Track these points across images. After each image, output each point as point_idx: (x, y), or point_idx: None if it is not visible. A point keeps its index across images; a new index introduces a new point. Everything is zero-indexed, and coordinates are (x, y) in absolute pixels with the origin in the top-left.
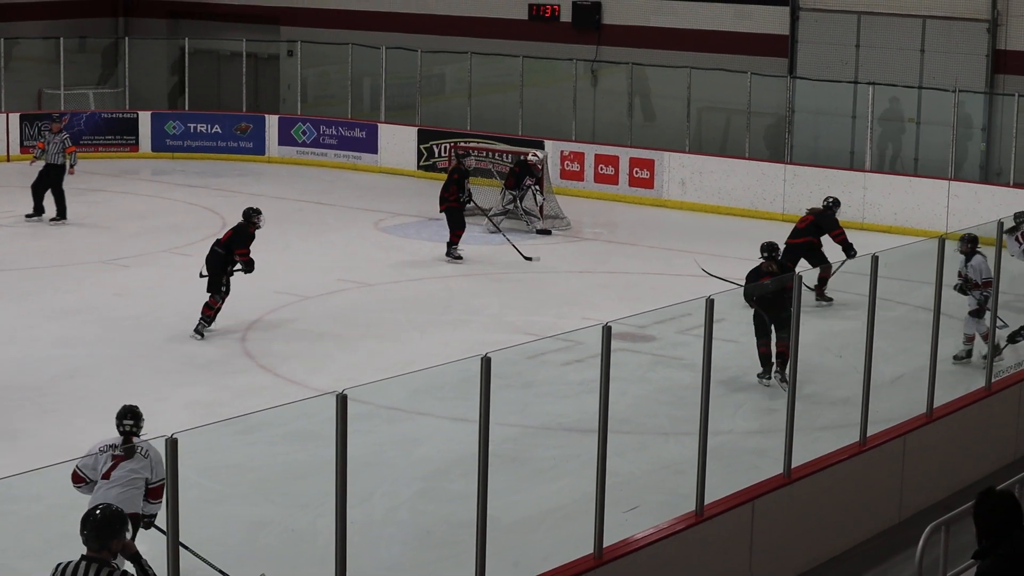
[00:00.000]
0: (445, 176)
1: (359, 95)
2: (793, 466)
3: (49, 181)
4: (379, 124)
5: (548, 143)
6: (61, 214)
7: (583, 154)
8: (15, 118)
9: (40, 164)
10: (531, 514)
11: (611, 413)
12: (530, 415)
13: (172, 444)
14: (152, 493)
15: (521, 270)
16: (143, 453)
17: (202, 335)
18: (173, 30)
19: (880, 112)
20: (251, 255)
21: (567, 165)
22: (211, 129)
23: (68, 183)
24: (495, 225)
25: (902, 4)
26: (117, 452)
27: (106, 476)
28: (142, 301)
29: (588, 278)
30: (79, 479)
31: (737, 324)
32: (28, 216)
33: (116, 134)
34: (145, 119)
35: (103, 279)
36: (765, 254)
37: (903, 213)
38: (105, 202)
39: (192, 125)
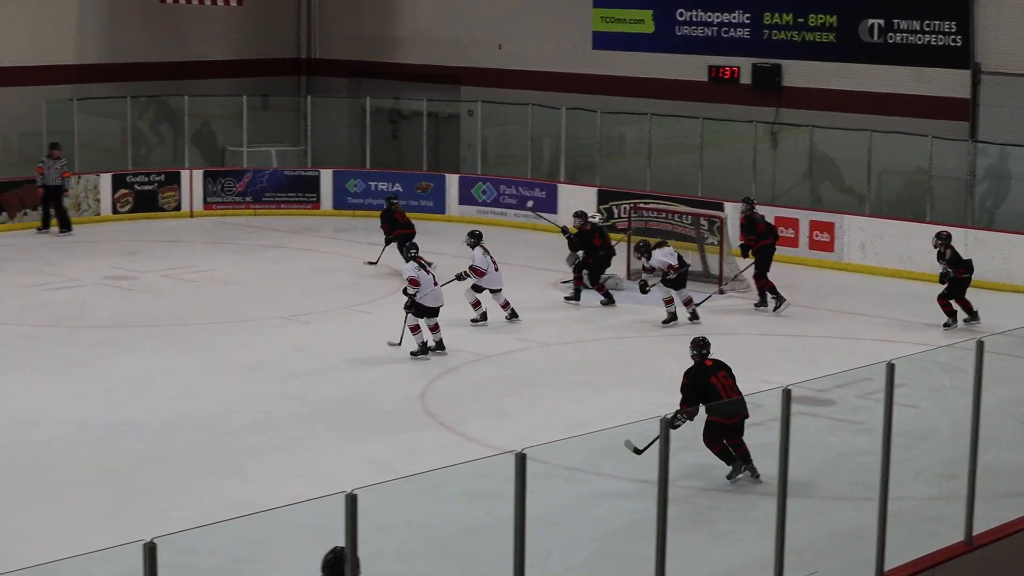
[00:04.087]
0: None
1: (539, 155)
2: (974, 533)
3: (50, 200)
4: (559, 184)
5: (727, 205)
6: (65, 227)
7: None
8: (199, 175)
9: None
10: None
11: (790, 477)
12: (709, 477)
13: (351, 500)
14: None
15: (700, 331)
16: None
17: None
18: (355, 89)
19: None
20: None
21: None
22: (392, 187)
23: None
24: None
25: None
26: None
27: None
28: (322, 357)
29: (767, 341)
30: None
31: (918, 389)
32: (39, 230)
33: (298, 191)
34: (327, 177)
35: (284, 335)
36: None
37: None
38: (287, 259)
39: (373, 183)
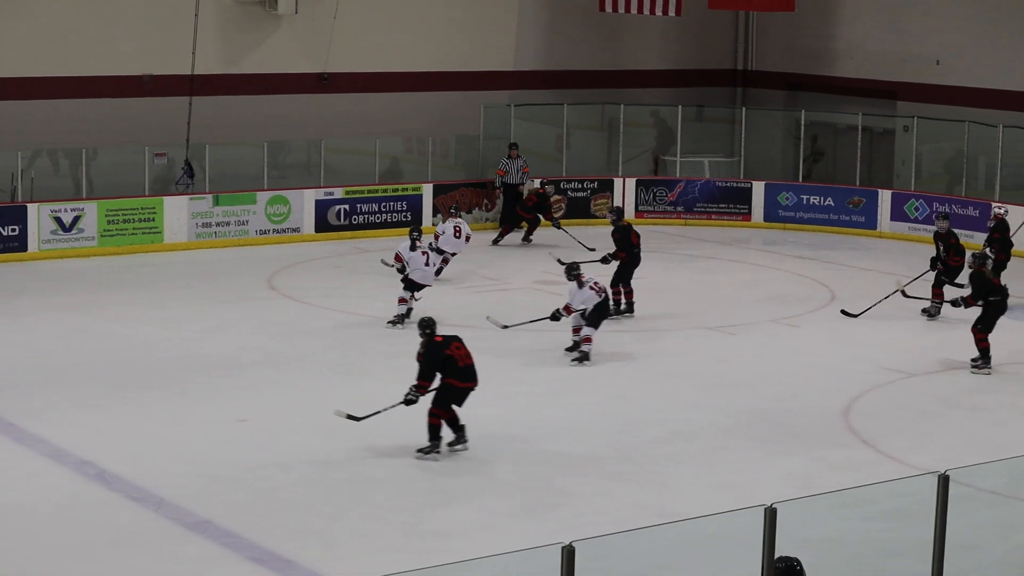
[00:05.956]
0: None
1: (973, 173)
2: None
3: (511, 198)
4: (992, 203)
5: None
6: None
7: None
8: (631, 183)
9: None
10: None
11: None
12: None
13: (771, 514)
14: None
15: None
16: None
17: None
18: (790, 101)
19: None
20: None
21: None
22: (823, 201)
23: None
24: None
25: None
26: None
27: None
28: (745, 369)
29: None
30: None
31: None
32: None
33: (729, 203)
34: (759, 189)
35: (707, 345)
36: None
37: None
38: (715, 269)
39: (805, 197)
